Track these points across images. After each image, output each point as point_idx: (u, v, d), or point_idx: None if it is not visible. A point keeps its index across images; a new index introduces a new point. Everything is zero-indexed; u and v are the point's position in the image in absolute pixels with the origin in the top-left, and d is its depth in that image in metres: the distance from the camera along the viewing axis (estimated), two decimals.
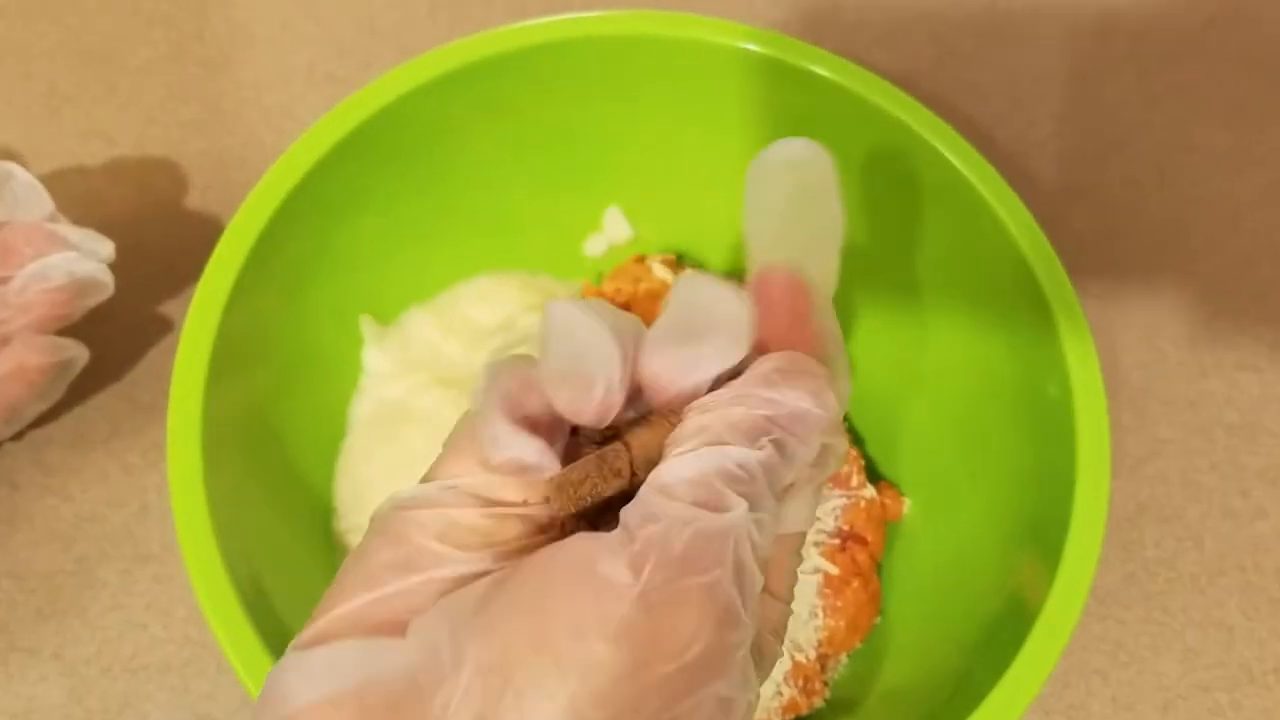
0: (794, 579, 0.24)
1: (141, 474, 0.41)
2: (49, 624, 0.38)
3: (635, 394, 0.22)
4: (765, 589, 0.22)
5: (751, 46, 0.36)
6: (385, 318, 0.40)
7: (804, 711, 0.34)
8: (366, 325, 0.39)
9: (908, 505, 0.37)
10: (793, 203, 0.24)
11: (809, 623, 0.33)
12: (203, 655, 0.38)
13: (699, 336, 0.22)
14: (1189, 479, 0.43)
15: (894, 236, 0.38)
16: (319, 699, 0.19)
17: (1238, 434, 0.44)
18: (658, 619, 0.18)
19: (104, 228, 0.39)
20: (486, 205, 0.40)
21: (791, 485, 0.22)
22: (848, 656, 0.36)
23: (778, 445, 0.21)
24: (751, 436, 0.21)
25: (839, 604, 0.33)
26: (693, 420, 0.21)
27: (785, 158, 0.24)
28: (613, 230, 0.42)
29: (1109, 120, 0.50)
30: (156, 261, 0.44)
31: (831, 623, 0.33)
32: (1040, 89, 0.50)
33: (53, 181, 0.41)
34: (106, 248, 0.37)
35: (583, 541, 0.20)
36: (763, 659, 0.22)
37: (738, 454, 0.20)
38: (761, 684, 0.23)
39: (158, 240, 0.44)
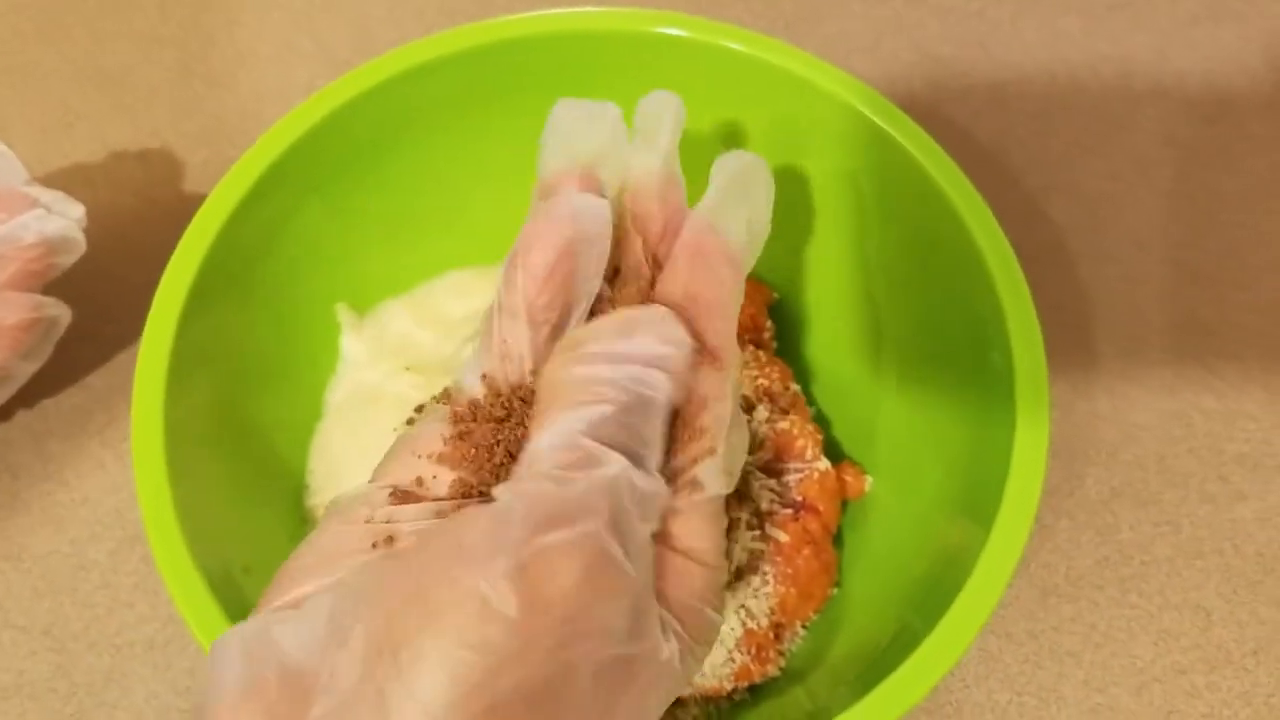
0: (717, 543, 0.23)
1: None
2: (42, 601, 0.40)
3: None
4: (679, 550, 0.23)
5: (726, 43, 0.37)
6: (363, 308, 0.42)
7: (756, 679, 0.34)
8: (343, 313, 0.41)
9: (870, 483, 0.38)
10: (742, 189, 0.26)
11: (760, 589, 0.34)
12: (185, 633, 0.39)
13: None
14: (1166, 464, 0.43)
15: (850, 228, 0.39)
16: (237, 694, 0.21)
17: (1216, 419, 0.43)
18: (532, 575, 0.19)
19: (110, 234, 0.41)
20: (457, 203, 0.41)
21: (704, 452, 0.23)
22: (805, 629, 0.36)
23: (636, 392, 0.22)
24: (610, 390, 0.22)
25: (789, 570, 0.34)
26: (556, 374, 0.23)
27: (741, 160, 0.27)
28: None
29: (1090, 118, 0.50)
30: (160, 265, 0.46)
31: (782, 589, 0.34)
32: (1021, 89, 0.51)
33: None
34: (77, 210, 0.39)
35: (463, 514, 0.20)
36: (696, 626, 0.22)
37: (595, 412, 0.21)
38: (705, 655, 0.23)
39: (161, 245, 0.46)
